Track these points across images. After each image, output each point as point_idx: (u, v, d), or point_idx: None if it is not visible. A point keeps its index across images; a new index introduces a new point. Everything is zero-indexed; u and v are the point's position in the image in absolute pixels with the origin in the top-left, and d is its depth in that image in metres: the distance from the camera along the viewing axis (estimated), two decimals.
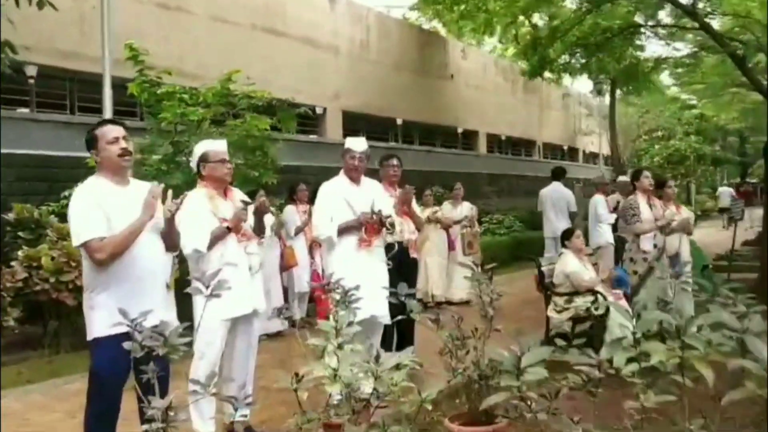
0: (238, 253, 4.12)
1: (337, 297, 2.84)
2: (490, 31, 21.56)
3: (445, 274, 9.13)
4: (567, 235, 6.55)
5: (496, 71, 24.11)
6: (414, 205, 5.88)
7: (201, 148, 4.29)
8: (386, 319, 4.72)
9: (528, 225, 17.22)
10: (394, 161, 5.94)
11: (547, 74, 23.34)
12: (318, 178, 12.58)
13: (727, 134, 39.26)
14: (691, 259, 6.90)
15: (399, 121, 17.99)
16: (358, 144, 5.09)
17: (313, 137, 15.88)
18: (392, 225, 4.97)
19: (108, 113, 6.76)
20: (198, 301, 3.54)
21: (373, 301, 4.35)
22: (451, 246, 9.18)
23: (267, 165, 8.98)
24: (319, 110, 16.04)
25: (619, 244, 9.06)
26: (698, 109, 35.12)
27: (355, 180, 5.07)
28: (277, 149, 9.11)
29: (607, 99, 23.29)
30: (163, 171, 7.41)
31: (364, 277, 4.43)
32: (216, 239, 4.06)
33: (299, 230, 7.86)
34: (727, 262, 9.30)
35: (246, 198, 4.30)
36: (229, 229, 4.09)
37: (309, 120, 16.19)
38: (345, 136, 17.26)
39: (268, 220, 7.17)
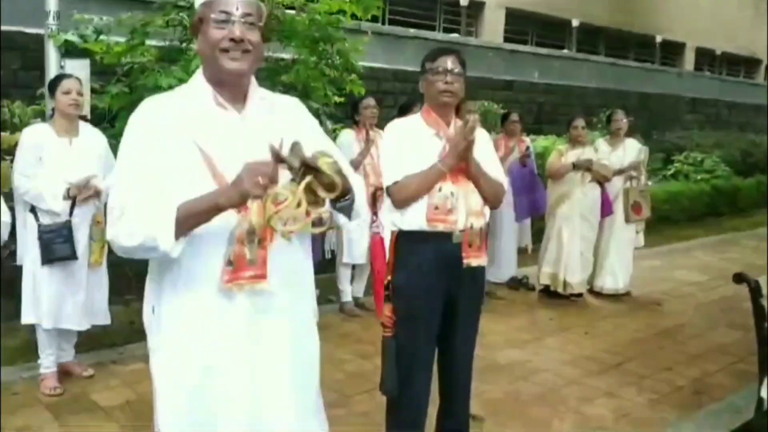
0: None
1: None
2: None
3: (592, 251, 5.96)
4: None
5: None
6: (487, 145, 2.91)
7: None
8: None
9: (737, 170, 12.96)
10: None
11: None
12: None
13: None
14: None
15: (575, 23, 14.15)
16: None
17: (454, 36, 12.63)
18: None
19: None
20: None
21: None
22: (606, 208, 5.95)
23: (344, 66, 6.24)
24: (464, 1, 12.70)
25: None
26: None
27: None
28: (357, 45, 6.25)
29: None
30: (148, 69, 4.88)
31: None
32: None
33: (356, 165, 5.08)
34: None
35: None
36: None
37: (456, 16, 13.03)
38: (507, 39, 13.96)
39: None
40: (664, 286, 6.55)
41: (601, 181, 5.80)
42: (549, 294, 5.93)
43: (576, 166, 5.67)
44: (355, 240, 5.18)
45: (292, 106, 2.06)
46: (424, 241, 2.78)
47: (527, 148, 6.26)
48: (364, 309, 5.39)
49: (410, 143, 2.81)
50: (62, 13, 4.94)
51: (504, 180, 2.95)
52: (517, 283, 6.30)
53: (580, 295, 5.92)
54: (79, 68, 4.40)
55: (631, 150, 6.14)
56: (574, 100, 12.23)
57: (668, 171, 12.40)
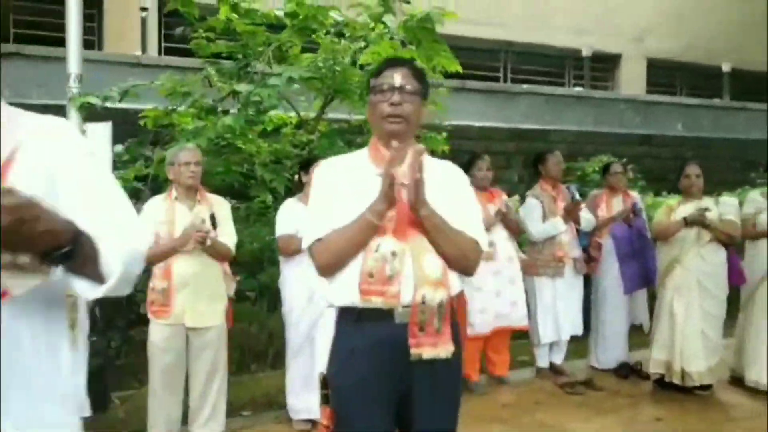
0: None
1: None
2: None
3: (719, 331, 4.68)
4: None
5: None
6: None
7: None
8: None
9: None
10: None
11: None
12: (573, 147, 8.67)
13: None
14: None
15: (725, 68, 12.53)
16: None
17: (578, 89, 11.54)
18: None
19: (74, 43, 4.09)
20: None
21: None
22: (735, 275, 4.69)
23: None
24: (586, 52, 11.67)
25: None
26: None
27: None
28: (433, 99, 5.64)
29: None
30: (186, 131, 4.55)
31: None
32: None
33: None
34: None
35: None
36: None
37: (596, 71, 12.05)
38: (650, 91, 12.67)
39: None
40: None
41: (726, 242, 4.59)
42: (664, 386, 4.70)
43: (689, 222, 4.54)
44: None
45: (56, 129, 1.42)
46: (358, 322, 2.01)
47: (634, 204, 5.20)
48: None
49: (345, 187, 2.08)
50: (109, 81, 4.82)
51: (482, 237, 2.10)
52: (627, 371, 5.11)
53: (707, 387, 4.65)
54: (101, 131, 4.14)
55: None
56: (730, 153, 10.63)
57: None
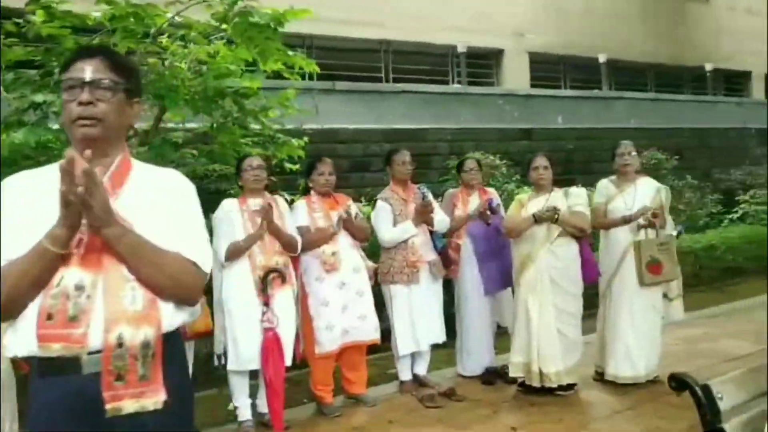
0: None
1: None
2: None
3: (578, 328, 4.50)
4: None
5: None
6: None
7: None
8: None
9: None
10: None
11: None
12: (453, 146, 8.47)
13: None
14: None
15: (602, 59, 12.75)
16: None
17: (456, 86, 11.47)
18: None
19: None
20: None
21: None
22: (589, 270, 4.52)
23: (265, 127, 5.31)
24: (461, 48, 11.61)
25: None
26: None
27: None
28: (283, 101, 5.28)
29: None
30: None
31: None
32: None
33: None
34: None
35: None
36: None
37: (471, 68, 11.98)
38: (533, 85, 12.76)
39: None
40: (699, 364, 4.96)
41: (577, 234, 4.42)
42: (530, 389, 4.49)
43: (538, 219, 4.34)
44: (242, 338, 3.99)
45: None
46: (41, 376, 1.61)
47: (490, 201, 4.98)
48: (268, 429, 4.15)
49: (33, 208, 1.67)
50: None
51: (202, 257, 1.74)
52: (494, 377, 4.88)
53: (570, 387, 4.46)
54: None
55: (645, 191, 4.68)
56: (609, 142, 10.75)
57: (735, 214, 10.68)
